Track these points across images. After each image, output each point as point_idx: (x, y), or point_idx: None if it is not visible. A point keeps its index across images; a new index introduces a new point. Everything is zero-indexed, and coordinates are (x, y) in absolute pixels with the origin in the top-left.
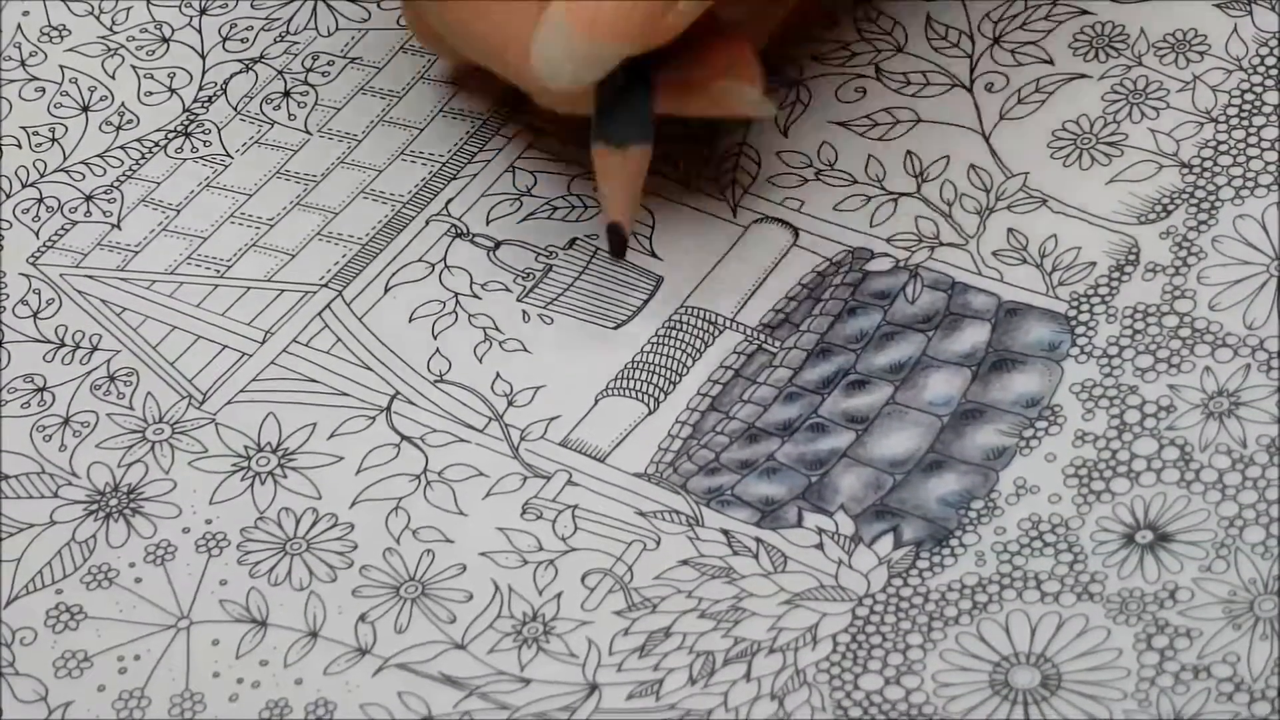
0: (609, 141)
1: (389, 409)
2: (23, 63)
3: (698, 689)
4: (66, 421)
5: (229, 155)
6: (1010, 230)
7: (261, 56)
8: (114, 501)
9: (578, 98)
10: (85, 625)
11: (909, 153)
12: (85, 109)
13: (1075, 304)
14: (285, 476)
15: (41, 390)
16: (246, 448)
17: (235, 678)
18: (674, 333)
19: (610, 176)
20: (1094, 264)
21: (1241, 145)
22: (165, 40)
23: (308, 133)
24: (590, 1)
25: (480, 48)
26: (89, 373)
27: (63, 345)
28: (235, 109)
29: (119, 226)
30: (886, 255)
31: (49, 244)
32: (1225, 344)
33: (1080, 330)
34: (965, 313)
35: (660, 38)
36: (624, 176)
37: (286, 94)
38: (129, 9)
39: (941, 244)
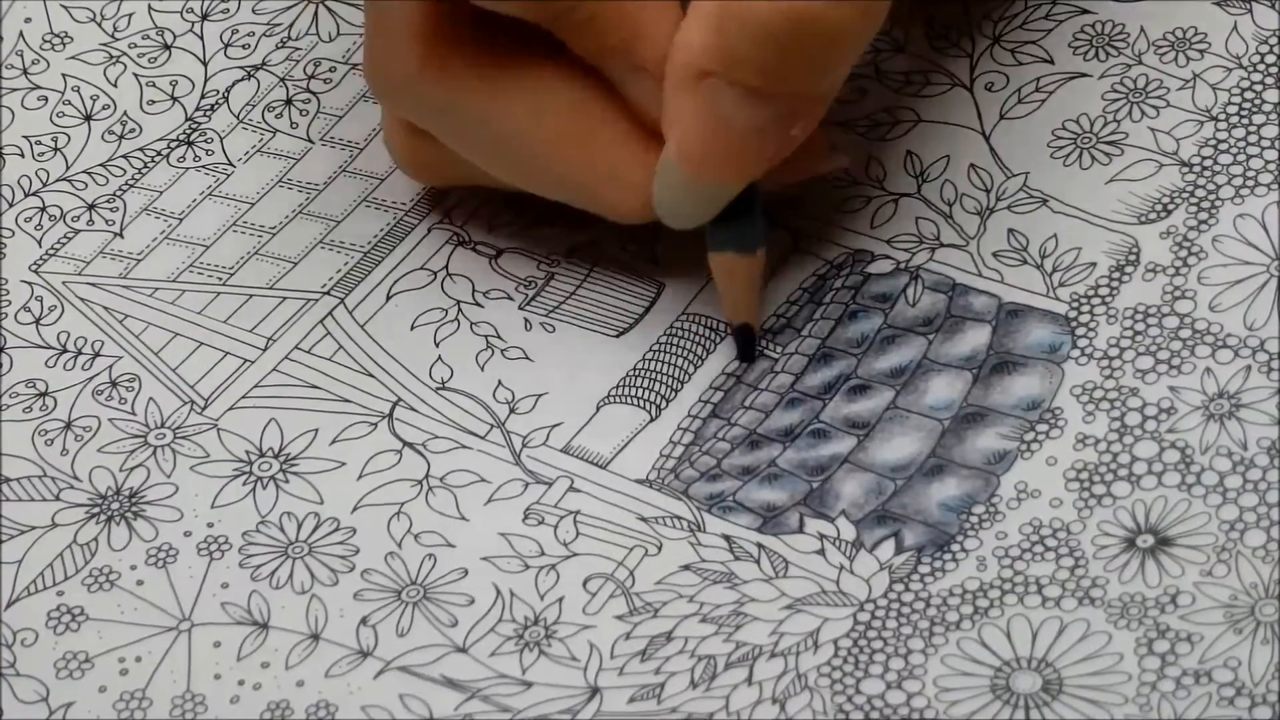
0: (739, 249)
1: (391, 416)
2: (25, 71)
3: (699, 692)
4: (68, 426)
5: (231, 164)
6: (1010, 231)
7: (263, 63)
8: (115, 505)
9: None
10: (86, 627)
11: (909, 153)
12: (88, 118)
13: (1075, 305)
14: (287, 482)
15: (43, 395)
16: (248, 453)
17: (237, 679)
18: (675, 340)
19: (739, 281)
20: (1094, 264)
21: (1241, 143)
22: (167, 47)
23: (310, 141)
24: (700, 143)
25: (561, 186)
26: (91, 378)
27: (65, 351)
28: (237, 117)
29: (121, 235)
30: (887, 257)
31: (51, 252)
32: (1226, 345)
33: (1081, 332)
34: (966, 315)
35: (772, 164)
36: (750, 279)
37: (288, 101)
38: (131, 15)
39: (942, 245)
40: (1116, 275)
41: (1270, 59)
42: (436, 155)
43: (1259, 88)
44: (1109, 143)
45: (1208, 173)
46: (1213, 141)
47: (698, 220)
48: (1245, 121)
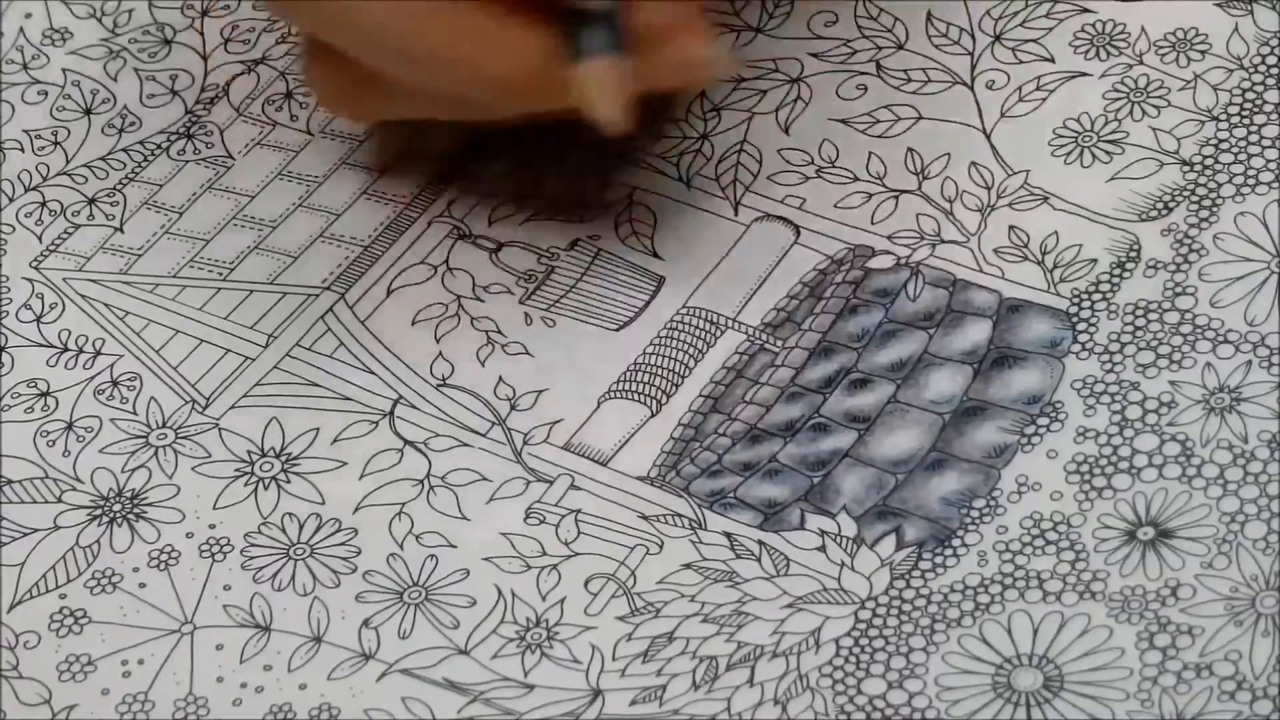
0: (614, 51)
1: (392, 413)
2: (25, 66)
3: (701, 694)
4: (70, 426)
5: (231, 157)
6: (1011, 228)
7: (263, 58)
8: (117, 506)
9: (539, 92)
10: (89, 629)
11: (910, 150)
12: (88, 111)
13: (1076, 301)
14: (289, 482)
15: (45, 395)
16: (250, 453)
17: (239, 682)
18: (676, 334)
19: (618, 85)
20: (1095, 261)
21: (1242, 143)
22: (167, 42)
23: (309, 133)
24: None
25: (437, 66)
26: (92, 377)
27: (66, 350)
28: (237, 110)
29: (121, 230)
30: (888, 253)
31: (52, 248)
32: (1226, 340)
33: (1081, 327)
34: (967, 310)
35: None
36: (623, 84)
37: (288, 95)
38: (131, 10)
39: (943, 241)
40: (1117, 271)
41: (1271, 60)
42: (353, 85)
43: (1260, 88)
44: (1110, 141)
45: (1209, 171)
46: (1214, 141)
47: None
48: (1246, 121)
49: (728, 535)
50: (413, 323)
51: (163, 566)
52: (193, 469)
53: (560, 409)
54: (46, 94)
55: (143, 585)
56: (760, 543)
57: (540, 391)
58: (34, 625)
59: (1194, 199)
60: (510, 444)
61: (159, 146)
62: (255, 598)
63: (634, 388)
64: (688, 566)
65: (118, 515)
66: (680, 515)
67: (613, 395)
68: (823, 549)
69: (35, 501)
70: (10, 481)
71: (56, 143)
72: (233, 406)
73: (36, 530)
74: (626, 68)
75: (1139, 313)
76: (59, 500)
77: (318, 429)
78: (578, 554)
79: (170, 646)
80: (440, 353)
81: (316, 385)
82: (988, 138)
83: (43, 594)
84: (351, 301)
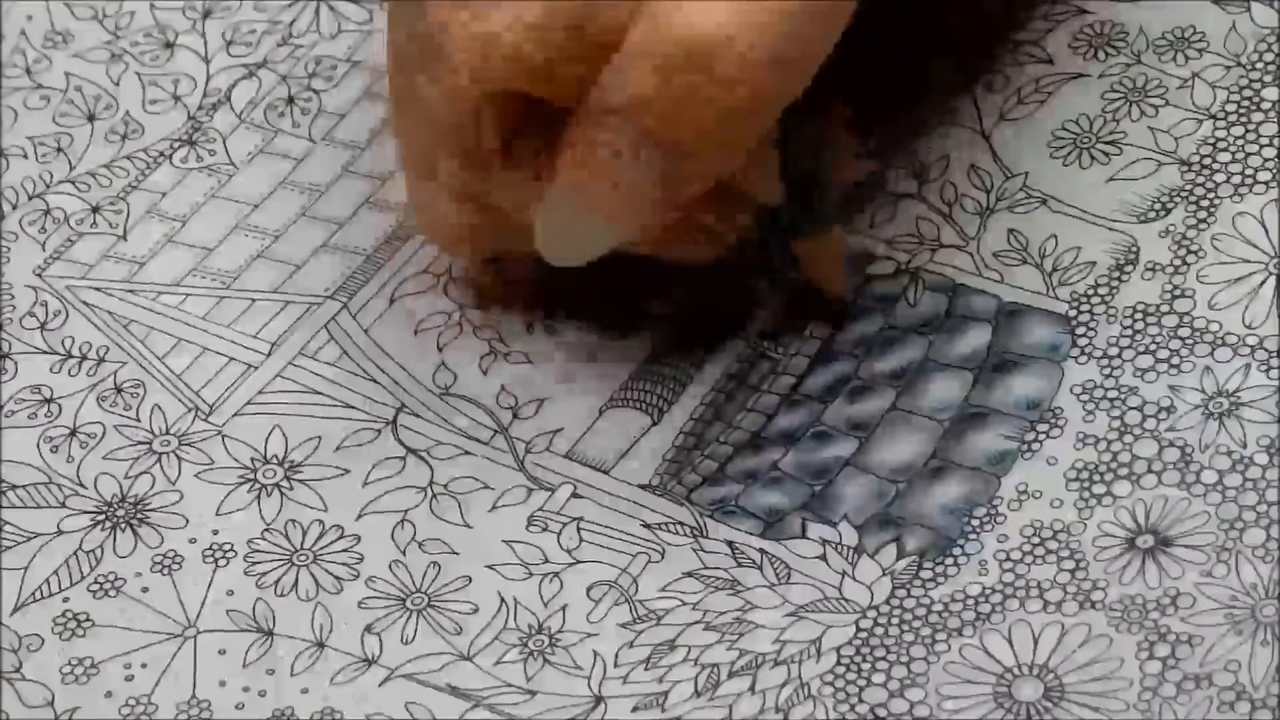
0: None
1: (395, 422)
2: (28, 70)
3: (703, 701)
4: (73, 433)
5: (234, 165)
6: (1011, 231)
7: (265, 61)
8: (121, 512)
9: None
10: (92, 633)
11: (909, 153)
12: (90, 118)
13: (1075, 304)
14: (291, 489)
15: (48, 401)
16: (253, 460)
17: (242, 686)
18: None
19: (836, 255)
20: (1094, 264)
21: (1240, 142)
22: (169, 45)
23: (312, 141)
24: (596, 179)
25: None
26: (96, 384)
27: (69, 357)
28: (240, 116)
29: (125, 238)
30: (888, 258)
31: (55, 255)
32: (1225, 343)
33: (1081, 331)
34: (966, 314)
35: (659, 222)
36: (840, 253)
37: (290, 100)
38: (133, 12)
39: (942, 245)
40: (1116, 274)
41: (1269, 57)
42: (489, 223)
43: (1257, 85)
44: (1108, 142)
45: (1206, 171)
46: (1211, 140)
47: (575, 259)
48: (1244, 120)
49: (729, 543)
50: (415, 332)
51: (166, 571)
52: (196, 476)
53: (562, 418)
54: (49, 99)
55: (145, 590)
56: (762, 551)
57: (542, 400)
58: (37, 628)
59: (1192, 199)
60: (513, 452)
61: (161, 154)
62: (258, 603)
63: (636, 396)
64: (689, 574)
65: (121, 521)
66: (682, 523)
67: (615, 404)
68: (824, 558)
69: (38, 506)
70: (13, 486)
71: (60, 149)
72: (236, 414)
73: (40, 535)
74: (840, 238)
75: (1138, 316)
76: (62, 505)
77: (320, 437)
78: (580, 561)
79: (173, 650)
80: (443, 362)
81: (319, 394)
82: (987, 140)
83: (46, 598)
84: (354, 310)
